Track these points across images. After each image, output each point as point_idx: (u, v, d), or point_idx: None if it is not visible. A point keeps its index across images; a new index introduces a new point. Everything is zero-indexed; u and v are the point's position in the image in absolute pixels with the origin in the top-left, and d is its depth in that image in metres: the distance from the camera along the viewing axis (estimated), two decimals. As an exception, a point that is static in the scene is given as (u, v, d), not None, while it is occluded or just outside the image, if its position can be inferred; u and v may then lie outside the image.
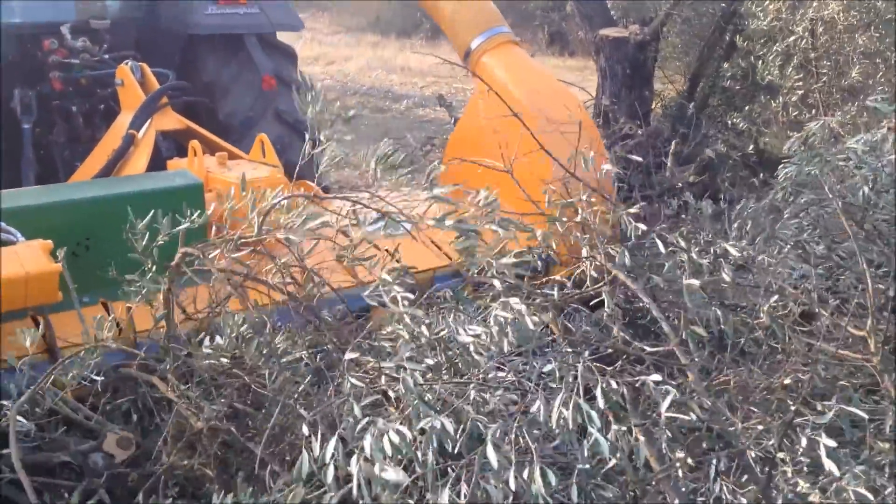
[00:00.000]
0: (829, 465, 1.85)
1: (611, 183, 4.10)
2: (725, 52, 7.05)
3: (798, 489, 1.93)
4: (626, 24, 7.38)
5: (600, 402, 1.81)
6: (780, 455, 1.99)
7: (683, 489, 1.92)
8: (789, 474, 1.99)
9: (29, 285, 2.64)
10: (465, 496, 1.73)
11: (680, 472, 1.93)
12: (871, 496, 1.83)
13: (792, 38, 5.82)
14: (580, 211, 2.72)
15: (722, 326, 2.25)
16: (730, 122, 6.48)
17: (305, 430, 1.99)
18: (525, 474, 1.73)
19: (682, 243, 2.39)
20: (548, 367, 1.94)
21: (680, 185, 5.62)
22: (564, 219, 2.72)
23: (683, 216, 4.12)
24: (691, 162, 6.25)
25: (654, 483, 1.91)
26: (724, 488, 1.93)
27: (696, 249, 2.39)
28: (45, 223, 2.95)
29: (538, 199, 2.99)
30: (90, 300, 2.94)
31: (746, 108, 6.56)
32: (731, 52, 7.02)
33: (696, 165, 6.00)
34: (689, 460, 1.96)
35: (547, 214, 2.75)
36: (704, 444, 2.08)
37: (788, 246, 2.64)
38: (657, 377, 1.94)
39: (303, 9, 21.56)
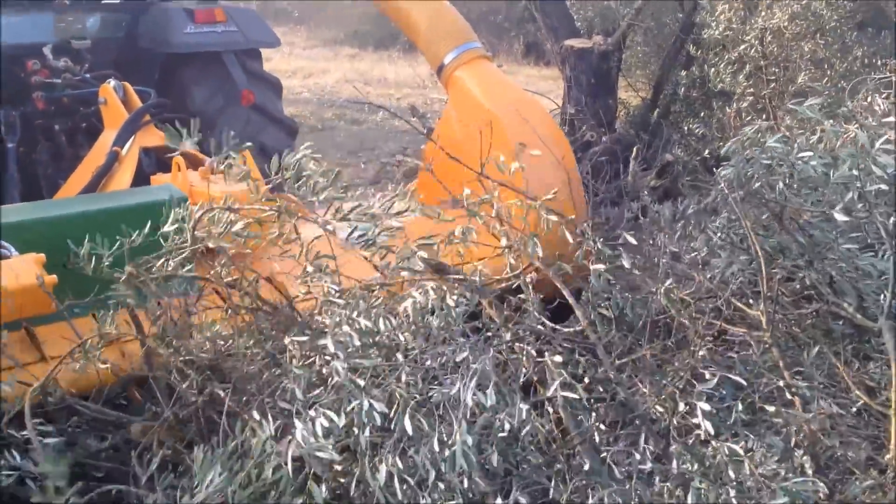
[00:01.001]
0: (705, 425, 2.11)
1: (576, 187, 4.29)
2: (685, 61, 7.34)
3: (693, 450, 2.18)
4: (591, 35, 7.67)
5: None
6: (675, 419, 2.25)
7: (601, 455, 2.17)
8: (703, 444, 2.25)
9: (24, 297, 2.79)
10: (395, 467, 1.98)
11: (596, 438, 2.21)
12: (740, 450, 2.09)
13: (742, 47, 6.11)
14: (494, 205, 2.94)
15: (624, 309, 2.52)
16: (686, 128, 6.76)
17: (256, 415, 2.22)
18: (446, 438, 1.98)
19: (589, 232, 2.66)
20: (461, 357, 2.18)
21: (643, 189, 5.89)
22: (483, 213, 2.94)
23: (642, 219, 4.38)
24: (654, 167, 6.53)
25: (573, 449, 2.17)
26: (647, 454, 2.18)
27: (601, 240, 2.66)
28: (37, 238, 3.05)
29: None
30: (81, 311, 3.00)
31: (703, 113, 6.86)
32: (690, 62, 7.32)
33: (656, 170, 6.27)
34: (602, 426, 2.22)
35: (466, 209, 2.95)
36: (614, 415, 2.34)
37: (713, 239, 2.90)
38: (559, 358, 2.20)
39: (281, 23, 21.84)
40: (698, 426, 2.25)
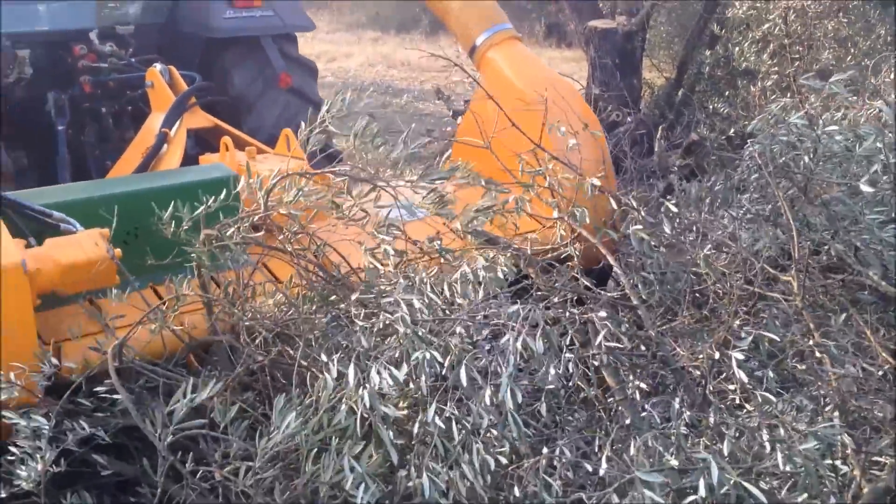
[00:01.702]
0: (739, 374, 2.26)
1: (609, 163, 4.44)
2: (709, 40, 7.45)
3: (728, 404, 2.34)
4: (614, 16, 7.79)
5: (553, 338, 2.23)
6: (711, 382, 2.42)
7: (643, 413, 2.33)
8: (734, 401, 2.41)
9: (91, 270, 2.93)
10: (452, 412, 2.16)
11: (637, 396, 2.38)
12: (773, 397, 2.25)
13: (766, 26, 6.21)
14: (547, 178, 3.11)
15: (666, 273, 2.68)
16: (711, 107, 6.87)
17: (324, 356, 2.39)
18: (499, 394, 2.14)
19: (634, 203, 2.82)
20: (512, 309, 2.34)
21: (671, 167, 6.02)
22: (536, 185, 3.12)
23: (669, 196, 4.52)
24: (680, 146, 6.66)
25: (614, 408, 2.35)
26: (685, 415, 2.34)
27: (645, 209, 2.81)
28: (99, 214, 3.18)
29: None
30: (141, 285, 3.17)
31: (727, 92, 6.97)
32: (714, 41, 7.42)
33: (682, 149, 6.39)
34: (643, 385, 2.39)
35: (520, 181, 3.12)
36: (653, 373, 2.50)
37: (741, 212, 3.05)
38: (603, 314, 2.37)
39: (304, 7, 21.89)
40: (734, 390, 2.41)
